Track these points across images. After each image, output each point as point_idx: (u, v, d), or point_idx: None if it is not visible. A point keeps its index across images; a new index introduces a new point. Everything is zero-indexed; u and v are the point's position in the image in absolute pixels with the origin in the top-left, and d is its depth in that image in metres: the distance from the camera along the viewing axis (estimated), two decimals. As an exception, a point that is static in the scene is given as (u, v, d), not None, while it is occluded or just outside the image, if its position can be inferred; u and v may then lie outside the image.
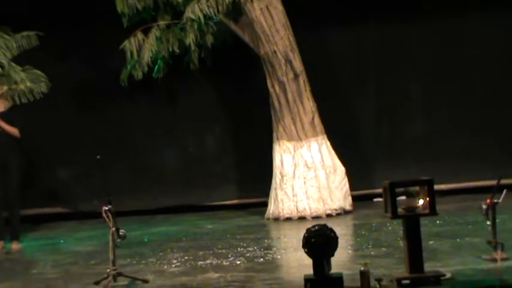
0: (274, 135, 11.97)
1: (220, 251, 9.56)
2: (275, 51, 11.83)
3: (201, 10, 11.58)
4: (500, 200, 8.11)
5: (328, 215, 11.60)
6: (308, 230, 7.22)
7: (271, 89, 11.94)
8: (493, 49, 12.87)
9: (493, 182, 8.22)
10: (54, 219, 12.86)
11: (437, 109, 12.96)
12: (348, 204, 11.92)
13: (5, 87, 10.85)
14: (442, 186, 10.86)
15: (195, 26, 11.83)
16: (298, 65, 11.90)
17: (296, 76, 11.86)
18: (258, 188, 12.40)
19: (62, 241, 11.29)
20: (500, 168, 10.13)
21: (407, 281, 7.04)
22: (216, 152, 13.32)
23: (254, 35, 11.92)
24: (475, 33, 12.88)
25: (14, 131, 10.62)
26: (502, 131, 12.81)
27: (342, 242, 7.47)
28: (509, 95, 12.82)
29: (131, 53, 12.04)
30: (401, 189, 7.36)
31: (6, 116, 10.66)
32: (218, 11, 11.66)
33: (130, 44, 12.04)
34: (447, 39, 12.93)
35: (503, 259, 7.85)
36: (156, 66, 12.21)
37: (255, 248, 9.66)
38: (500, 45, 12.84)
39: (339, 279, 7.02)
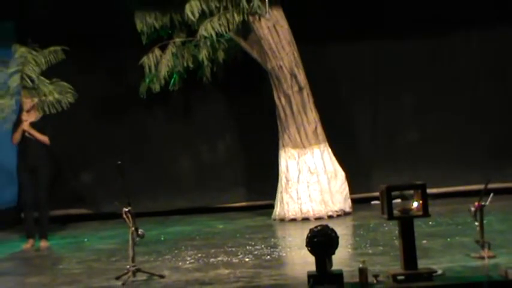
0: (280, 143, 11.96)
1: (230, 249, 9.55)
2: (281, 66, 11.83)
3: (213, 28, 11.58)
4: (487, 203, 8.11)
5: (330, 216, 11.58)
6: (311, 230, 7.23)
7: (277, 101, 11.94)
8: (479, 64, 12.88)
9: (481, 186, 8.22)
10: (79, 220, 12.89)
11: (429, 119, 12.92)
12: (347, 206, 11.91)
13: (36, 99, 10.86)
14: (434, 190, 10.82)
15: (208, 43, 11.83)
16: (302, 78, 11.90)
17: (300, 89, 11.86)
18: (265, 192, 12.39)
19: (85, 239, 11.29)
20: (487, 174, 10.12)
21: (402, 277, 7.02)
22: (227, 158, 13.31)
23: (262, 51, 11.93)
24: (463, 49, 12.92)
25: (44, 138, 10.65)
26: (488, 140, 12.79)
27: (342, 241, 7.44)
28: (494, 106, 12.81)
29: (149, 68, 12.06)
30: (396, 193, 7.32)
31: (37, 125, 10.69)
32: (229, 29, 11.67)
33: (148, 60, 12.07)
34: (438, 55, 12.95)
35: (490, 257, 7.83)
36: (172, 80, 12.22)
37: (262, 246, 9.66)
38: (485, 61, 12.83)
39: (339, 276, 7.03)
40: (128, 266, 8.02)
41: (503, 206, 10.78)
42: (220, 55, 12.05)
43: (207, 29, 11.58)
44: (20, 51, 11.07)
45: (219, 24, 11.58)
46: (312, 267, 7.09)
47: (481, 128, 12.79)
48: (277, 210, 11.89)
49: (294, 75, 11.84)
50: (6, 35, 12.09)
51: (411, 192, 7.30)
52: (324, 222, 8.86)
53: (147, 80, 12.18)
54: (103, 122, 13.04)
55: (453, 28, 12.68)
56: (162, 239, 10.76)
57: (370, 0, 12.59)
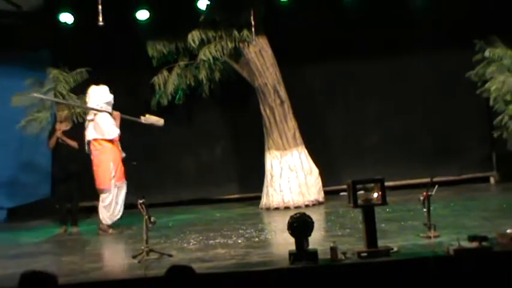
0: (266, 146, 11.98)
1: (226, 233, 9.55)
2: (266, 84, 11.86)
3: (210, 53, 11.61)
4: (433, 193, 8.16)
5: (307, 206, 11.59)
6: (291, 217, 7.27)
7: (263, 112, 11.96)
8: (428, 81, 12.88)
9: (428, 180, 8.27)
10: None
11: (387, 125, 12.92)
12: (321, 197, 11.93)
13: (66, 111, 10.88)
14: (391, 183, 10.83)
15: (206, 65, 11.84)
16: (283, 93, 11.92)
17: (282, 102, 11.88)
18: (254, 186, 12.36)
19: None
20: (433, 169, 10.17)
21: (365, 254, 7.05)
22: (222, 159, 13.29)
23: (250, 71, 11.95)
24: (416, 69, 12.90)
25: (74, 143, 10.65)
26: (433, 142, 12.80)
27: (316, 226, 7.46)
28: (439, 115, 12.81)
29: (159, 86, 12.07)
30: (360, 186, 7.35)
31: (68, 133, 10.71)
32: (223, 53, 11.70)
33: (158, 79, 12.09)
34: (395, 74, 12.94)
35: (435, 236, 7.90)
36: (177, 96, 12.22)
37: (252, 230, 9.66)
38: (433, 79, 12.85)
39: (314, 253, 7.06)
40: (143, 247, 8.04)
41: (446, 196, 10.83)
42: (217, 75, 12.05)
43: (205, 54, 11.62)
44: (53, 73, 11.11)
45: (216, 50, 11.61)
46: (292, 247, 7.12)
47: (428, 132, 12.81)
48: (264, 201, 11.90)
49: (276, 91, 11.87)
50: (43, 60, 12.09)
51: (372, 185, 7.34)
52: (301, 210, 8.92)
53: (157, 96, 12.19)
54: (121, 129, 12.93)
55: (408, 52, 12.67)
56: (170, 225, 10.78)
57: (340, 29, 12.56)
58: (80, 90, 11.23)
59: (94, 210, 12.57)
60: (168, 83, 11.99)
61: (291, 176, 11.74)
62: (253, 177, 12.36)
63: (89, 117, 10.37)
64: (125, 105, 12.84)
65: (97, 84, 10.49)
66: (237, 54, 11.91)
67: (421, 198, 8.11)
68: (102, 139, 10.19)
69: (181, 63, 12.10)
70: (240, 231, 9.63)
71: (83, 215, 11.67)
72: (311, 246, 7.13)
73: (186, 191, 13.13)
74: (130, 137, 12.88)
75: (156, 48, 11.95)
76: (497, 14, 11.91)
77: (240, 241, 8.86)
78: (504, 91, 10.54)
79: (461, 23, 12.31)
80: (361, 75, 12.95)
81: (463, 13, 12.30)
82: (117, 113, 10.33)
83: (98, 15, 9.44)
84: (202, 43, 11.63)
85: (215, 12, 11.76)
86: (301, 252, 7.03)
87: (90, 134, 10.22)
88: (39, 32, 12.52)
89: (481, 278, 6.65)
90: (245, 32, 11.58)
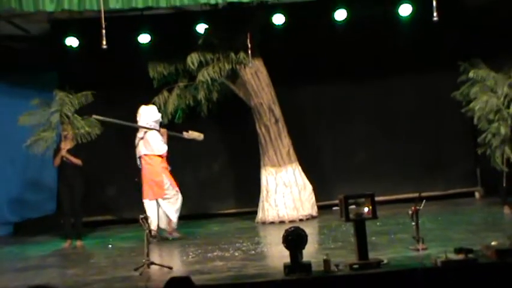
0: (261, 162, 11.97)
1: (223, 246, 9.55)
2: (261, 103, 11.87)
3: (208, 74, 11.59)
4: (421, 207, 8.18)
5: (301, 220, 11.55)
6: (286, 231, 7.28)
7: (258, 130, 11.95)
8: (414, 102, 12.93)
9: (416, 195, 8.29)
10: (106, 224, 12.77)
11: (375, 143, 12.91)
12: (314, 211, 11.90)
13: (71, 132, 10.88)
14: (381, 198, 10.82)
15: (205, 86, 11.78)
16: (278, 113, 11.93)
17: (276, 121, 11.89)
18: (250, 201, 12.31)
19: (111, 240, 11.25)
20: (421, 185, 10.20)
21: (357, 266, 7.07)
22: (220, 175, 13.24)
23: (246, 91, 11.95)
24: (402, 91, 12.94)
25: (78, 162, 10.65)
26: (420, 159, 12.81)
27: (310, 239, 7.48)
28: (425, 134, 12.85)
29: (159, 106, 11.99)
30: (352, 201, 7.37)
31: (73, 152, 10.72)
32: (221, 75, 11.69)
33: (159, 99, 12.02)
34: (383, 94, 12.96)
35: (423, 249, 7.92)
36: (177, 115, 12.14)
37: (248, 243, 9.66)
38: (419, 100, 12.89)
39: (308, 265, 7.07)
40: (144, 260, 8.03)
41: (433, 210, 10.84)
42: (215, 95, 12.01)
43: (204, 75, 11.60)
44: (60, 94, 11.11)
45: (214, 72, 11.60)
46: (287, 259, 7.13)
47: (414, 150, 12.81)
48: (260, 215, 11.87)
49: (271, 110, 11.88)
50: (50, 82, 12.11)
51: (363, 200, 7.36)
52: (296, 224, 8.92)
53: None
54: (123, 147, 12.92)
55: (395, 74, 12.72)
56: (170, 238, 10.71)
57: (331, 52, 12.62)
58: (85, 112, 11.22)
59: (97, 224, 12.62)
60: (168, 103, 11.97)
61: (286, 191, 11.72)
62: (249, 192, 12.33)
63: (139, 135, 10.83)
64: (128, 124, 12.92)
65: (146, 104, 11.08)
66: (234, 75, 11.90)
67: (410, 212, 8.14)
68: (153, 154, 10.67)
69: (181, 84, 12.08)
70: (237, 244, 9.62)
71: (87, 229, 11.62)
72: (305, 259, 7.14)
73: (186, 206, 12.95)
74: (133, 154, 12.95)
75: (156, 70, 11.95)
76: (480, 38, 12.01)
77: (237, 254, 8.85)
78: (487, 110, 10.60)
79: (447, 46, 12.44)
80: (351, 95, 12.96)
81: (449, 37, 12.40)
82: (164, 130, 10.87)
83: (101, 39, 9.44)
84: (201, 65, 11.63)
85: (213, 35, 11.81)
86: (296, 264, 7.03)
87: (141, 150, 10.70)
88: (46, 55, 12.57)
89: (467, 288, 6.68)
90: (242, 55, 11.61)
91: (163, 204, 10.71)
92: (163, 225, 10.71)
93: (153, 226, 10.18)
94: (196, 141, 11.34)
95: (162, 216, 10.72)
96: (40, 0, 9.81)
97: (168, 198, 10.70)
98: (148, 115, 10.83)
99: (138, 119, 10.87)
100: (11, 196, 12.52)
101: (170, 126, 12.18)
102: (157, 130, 10.79)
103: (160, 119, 10.99)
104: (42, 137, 10.91)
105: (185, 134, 11.19)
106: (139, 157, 10.75)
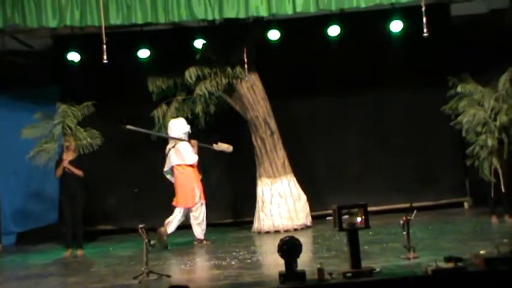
0: (257, 174, 11.96)
1: (220, 255, 9.54)
2: (257, 116, 11.88)
3: (206, 88, 11.62)
4: (412, 217, 8.19)
5: (295, 229, 11.55)
6: (281, 240, 7.27)
7: (254, 143, 11.97)
8: (405, 116, 12.96)
9: (407, 205, 8.29)
10: (106, 234, 12.78)
11: (367, 156, 12.93)
12: (308, 221, 11.89)
13: (73, 143, 10.88)
14: (373, 208, 10.82)
15: (202, 99, 11.81)
16: (273, 125, 11.94)
17: (272, 133, 11.90)
18: (247, 211, 12.30)
19: (111, 249, 11.25)
20: (412, 195, 10.21)
21: (350, 274, 7.06)
22: (218, 186, 13.17)
23: (243, 105, 11.97)
24: (393, 106, 12.97)
25: (79, 172, 10.66)
26: (412, 171, 12.83)
27: (304, 248, 7.46)
28: (415, 147, 12.88)
29: (158, 118, 12.05)
30: (345, 211, 7.37)
31: (74, 163, 10.71)
32: (218, 89, 11.71)
33: (157, 112, 12.06)
34: (375, 109, 13.01)
35: (414, 258, 7.92)
36: (176, 127, 12.18)
37: (245, 252, 9.65)
38: (409, 114, 12.93)
39: (303, 274, 7.06)
40: (143, 269, 8.02)
41: (424, 220, 10.86)
42: (212, 108, 12.03)
43: (201, 89, 11.62)
44: (62, 107, 11.12)
45: (211, 85, 11.62)
46: (282, 268, 7.12)
47: (406, 162, 12.83)
48: (256, 225, 11.86)
49: (267, 123, 11.89)
50: (53, 95, 12.13)
51: (356, 210, 7.36)
52: (290, 234, 8.92)
53: (157, 128, 12.13)
54: (123, 159, 12.99)
55: (387, 89, 12.76)
56: (169, 247, 10.71)
57: (325, 66, 12.67)
58: (87, 123, 11.22)
59: (98, 234, 12.60)
60: (167, 115, 11.97)
61: (281, 202, 11.72)
62: (245, 203, 12.32)
63: (169, 146, 11.13)
64: (128, 136, 12.92)
65: (176, 117, 11.45)
66: (230, 89, 11.91)
67: (401, 222, 8.14)
68: (184, 164, 10.96)
69: (179, 98, 12.09)
70: (234, 253, 9.61)
71: (88, 238, 11.61)
72: (300, 267, 7.13)
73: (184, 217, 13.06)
74: (132, 166, 12.95)
75: (156, 84, 11.98)
76: (469, 53, 12.08)
77: (233, 262, 8.84)
78: (475, 123, 10.64)
79: (436, 61, 12.48)
80: (343, 109, 12.99)
81: (439, 53, 12.44)
82: (194, 141, 11.13)
83: (102, 54, 9.48)
84: (199, 79, 11.66)
85: (210, 50, 11.86)
86: (291, 272, 7.03)
87: (173, 160, 11.03)
88: (48, 70, 12.60)
89: (456, 296, 6.68)
90: (238, 69, 11.64)
91: (190, 216, 11.07)
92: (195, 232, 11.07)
93: (170, 231, 10.78)
94: (225, 153, 11.55)
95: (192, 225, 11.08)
96: (43, 17, 9.85)
97: (193, 212, 11.03)
98: (178, 127, 11.13)
99: (168, 131, 11.21)
100: (14, 207, 12.50)
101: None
102: (187, 141, 11.06)
103: (190, 131, 11.23)
104: (45, 148, 10.91)
105: (215, 146, 11.43)
106: (172, 167, 11.04)
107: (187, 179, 10.97)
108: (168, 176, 11.31)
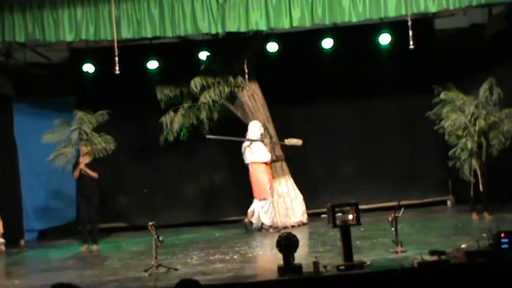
0: (258, 175, 11.96)
1: (224, 250, 9.54)
2: (257, 122, 11.89)
3: (210, 97, 11.63)
4: (400, 214, 8.20)
5: (293, 226, 11.54)
6: (279, 236, 7.29)
7: (255, 146, 11.98)
8: (394, 120, 13.00)
9: (395, 203, 8.30)
10: (119, 230, 12.78)
11: (358, 158, 12.97)
12: (305, 218, 11.89)
13: (89, 147, 10.90)
14: (364, 206, 10.84)
15: (207, 107, 11.82)
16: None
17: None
18: (248, 209, 12.27)
19: (123, 244, 11.27)
20: (399, 194, 10.20)
21: (343, 267, 7.07)
22: (221, 186, 13.25)
23: (244, 112, 11.99)
24: (383, 110, 13.02)
25: (94, 174, 10.67)
26: (399, 171, 12.86)
27: (301, 243, 7.48)
28: (403, 149, 12.92)
29: (166, 125, 12.05)
30: (338, 209, 7.39)
31: (90, 165, 10.73)
32: (221, 97, 11.72)
33: (165, 119, 12.06)
34: (366, 114, 13.05)
35: (402, 251, 7.93)
36: (182, 133, 12.17)
37: (246, 247, 9.66)
38: (398, 118, 12.96)
39: (299, 267, 7.08)
40: (153, 262, 8.03)
41: (410, 216, 10.83)
42: (215, 115, 12.02)
43: (206, 97, 11.64)
44: (79, 114, 11.12)
45: (214, 94, 11.64)
46: (281, 262, 7.13)
47: (394, 163, 12.88)
48: (256, 222, 11.82)
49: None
50: (70, 104, 12.16)
51: (348, 208, 7.38)
52: (288, 230, 8.92)
53: (165, 133, 12.15)
54: (134, 161, 13.02)
55: (376, 96, 12.80)
56: (176, 243, 10.72)
57: (319, 76, 12.68)
58: (102, 129, 11.24)
59: (111, 231, 12.61)
60: (174, 122, 12.00)
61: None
62: (247, 201, 12.25)
63: (244, 145, 11.46)
64: (138, 141, 12.95)
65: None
66: (232, 97, 11.93)
67: (390, 219, 8.16)
68: (259, 162, 11.32)
69: (185, 105, 12.10)
70: (236, 248, 9.61)
71: (102, 235, 11.61)
72: (297, 261, 7.15)
73: (190, 214, 13.08)
74: (143, 168, 12.96)
75: (163, 93, 11.99)
76: (452, 64, 12.09)
77: (235, 257, 8.84)
78: (456, 127, 10.70)
79: (422, 71, 12.50)
80: (337, 115, 13.01)
81: (424, 63, 12.45)
82: (267, 141, 11.49)
83: (114, 65, 9.50)
84: (203, 88, 11.68)
85: (214, 61, 11.87)
86: (288, 266, 7.05)
87: (248, 158, 11.43)
88: (66, 80, 12.62)
89: (440, 286, 6.71)
90: (239, 79, 11.66)
91: (258, 205, 11.29)
92: (254, 220, 11.33)
93: (254, 219, 11.30)
94: (294, 147, 11.64)
95: (256, 213, 11.31)
96: (60, 32, 9.87)
97: (262, 202, 11.28)
98: (256, 129, 11.45)
99: (248, 133, 11.48)
100: (36, 206, 12.54)
101: (176, 143, 12.20)
102: (261, 141, 11.37)
103: (264, 132, 11.55)
104: (63, 152, 10.93)
105: (285, 141, 11.65)
106: (247, 164, 11.43)
107: (261, 175, 11.26)
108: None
